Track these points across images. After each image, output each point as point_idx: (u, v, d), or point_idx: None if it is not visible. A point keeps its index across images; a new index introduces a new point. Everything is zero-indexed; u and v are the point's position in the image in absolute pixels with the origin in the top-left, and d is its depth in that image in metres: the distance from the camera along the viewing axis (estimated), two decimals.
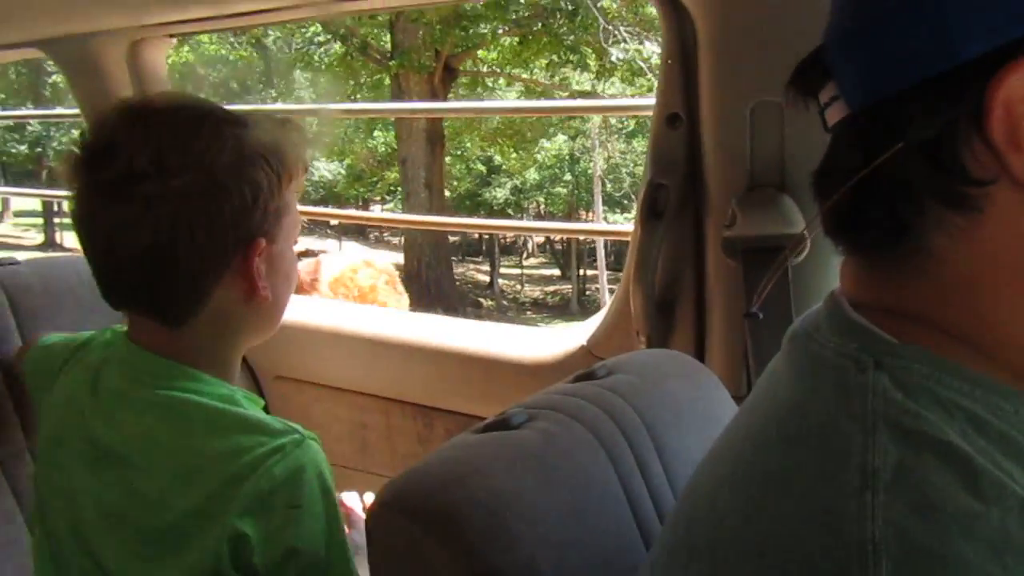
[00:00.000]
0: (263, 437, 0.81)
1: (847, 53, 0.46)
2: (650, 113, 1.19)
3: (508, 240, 23.14)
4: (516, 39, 11.22)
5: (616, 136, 14.62)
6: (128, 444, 0.85)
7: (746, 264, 1.08)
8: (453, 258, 21.61)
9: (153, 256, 0.81)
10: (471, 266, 20.90)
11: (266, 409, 1.76)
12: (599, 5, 9.98)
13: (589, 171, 15.66)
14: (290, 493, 0.80)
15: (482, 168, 15.77)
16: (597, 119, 13.43)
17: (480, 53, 11.77)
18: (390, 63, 11.17)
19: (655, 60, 10.56)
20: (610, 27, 10.01)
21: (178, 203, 0.80)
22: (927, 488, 0.38)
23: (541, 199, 17.47)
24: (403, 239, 14.25)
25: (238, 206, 0.82)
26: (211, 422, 0.83)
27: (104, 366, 0.91)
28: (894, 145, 0.43)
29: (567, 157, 16.06)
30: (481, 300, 17.02)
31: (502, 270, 20.45)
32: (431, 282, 11.78)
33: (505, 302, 17.30)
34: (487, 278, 19.23)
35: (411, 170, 11.15)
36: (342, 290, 2.27)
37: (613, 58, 10.71)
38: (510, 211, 18.34)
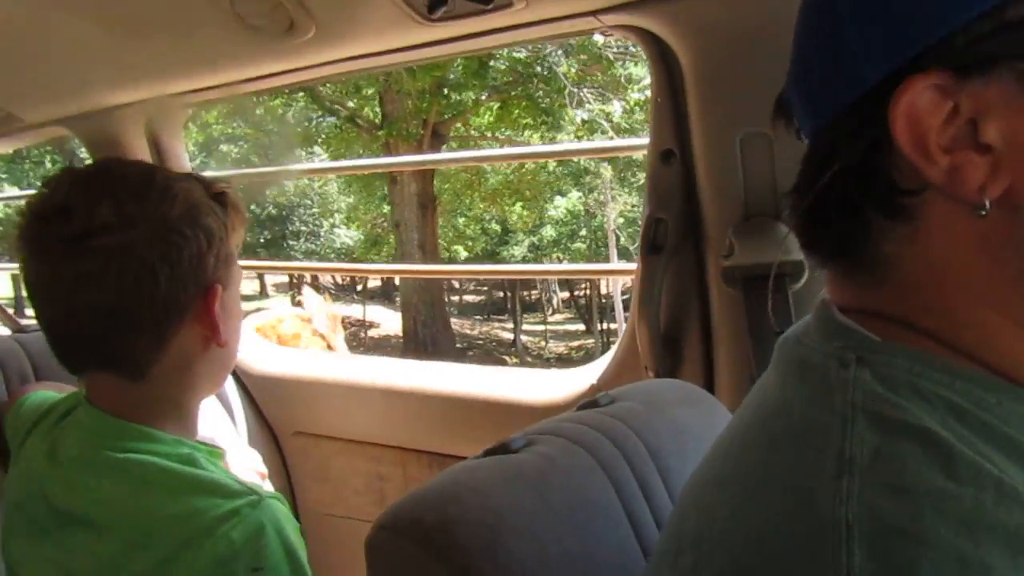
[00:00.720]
0: (218, 499, 0.80)
1: (793, 88, 0.52)
2: (644, 152, 1.22)
3: (533, 297, 23.22)
4: (497, 104, 11.69)
5: (628, 190, 14.78)
6: (88, 508, 0.84)
7: (746, 292, 1.09)
8: (477, 317, 21.72)
9: (117, 308, 0.82)
10: (496, 324, 20.92)
11: (284, 465, 1.78)
12: (559, 71, 10.42)
13: (606, 225, 15.85)
14: (251, 557, 0.78)
15: (496, 227, 15.98)
16: (608, 174, 13.62)
17: (472, 119, 12.11)
18: (379, 132, 11.61)
19: (616, 118, 11.01)
20: (574, 90, 10.48)
21: (140, 252, 0.81)
22: (902, 471, 0.39)
23: (560, 255, 17.61)
24: (399, 299, 14.35)
25: (195, 252, 0.85)
26: (166, 484, 0.82)
27: (62, 433, 0.91)
28: (831, 168, 0.47)
29: (583, 212, 16.22)
30: (505, 357, 17.00)
31: (528, 327, 20.46)
32: (427, 341, 11.96)
33: (529, 358, 17.26)
34: (511, 335, 19.26)
35: (405, 233, 11.60)
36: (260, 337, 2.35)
37: (577, 119, 11.18)
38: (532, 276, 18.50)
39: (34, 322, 1.59)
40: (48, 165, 15.89)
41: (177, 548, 0.78)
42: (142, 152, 1.73)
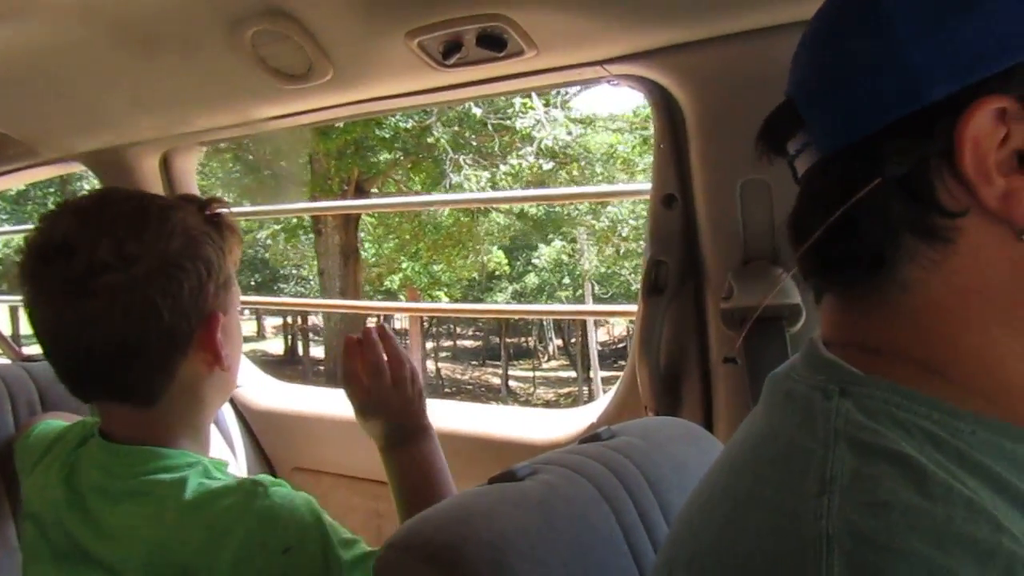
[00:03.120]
0: (228, 499, 0.82)
1: (818, 103, 0.50)
2: (645, 197, 1.25)
3: (527, 344, 23.23)
4: (409, 166, 12.71)
5: (603, 242, 15.05)
6: (101, 546, 0.85)
7: (745, 334, 1.11)
8: (473, 362, 21.69)
9: (124, 344, 0.83)
10: (488, 370, 20.94)
11: None
12: (434, 141, 11.59)
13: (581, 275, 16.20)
14: (277, 540, 0.81)
15: (474, 275, 16.21)
16: (584, 226, 14.20)
17: (399, 175, 13.12)
18: (303, 189, 12.51)
19: (483, 183, 11.97)
20: (454, 156, 11.52)
21: (142, 290, 0.82)
22: (878, 490, 0.41)
23: (546, 301, 17.71)
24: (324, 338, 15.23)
25: (195, 284, 0.86)
26: (178, 497, 0.83)
27: (78, 462, 0.92)
28: (870, 182, 0.46)
29: (566, 263, 16.44)
30: (493, 403, 16.97)
31: (521, 372, 20.48)
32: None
33: (517, 404, 17.22)
34: (500, 381, 19.31)
35: (328, 280, 12.42)
36: None
37: (447, 184, 12.12)
38: (513, 316, 18.70)
39: (39, 351, 1.60)
40: (51, 207, 15.94)
41: (197, 555, 0.80)
42: (156, 188, 1.76)
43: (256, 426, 1.82)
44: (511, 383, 19.14)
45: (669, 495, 0.79)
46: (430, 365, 20.25)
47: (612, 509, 0.72)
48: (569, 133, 12.06)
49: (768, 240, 1.12)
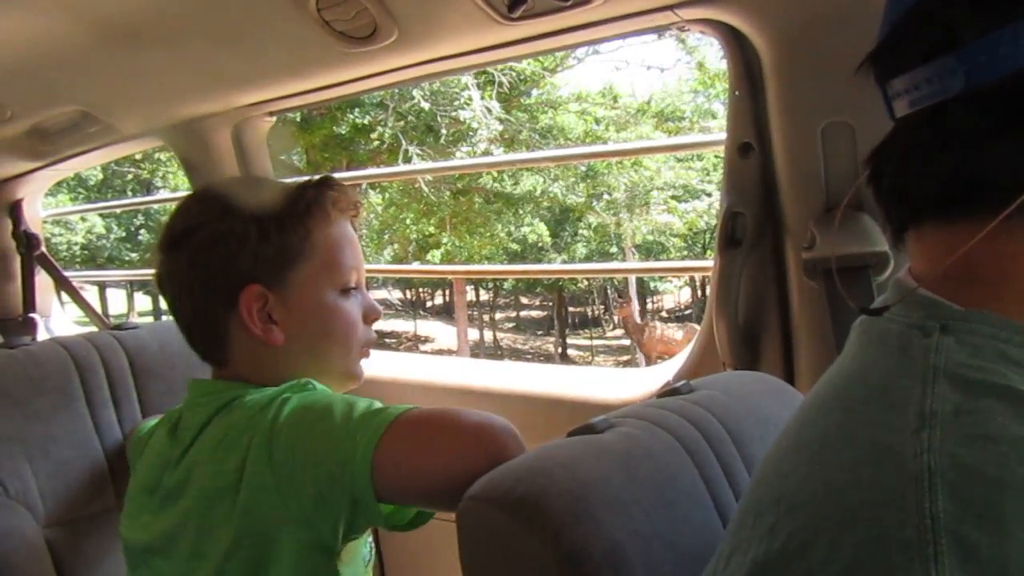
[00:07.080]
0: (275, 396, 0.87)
1: (991, 29, 0.43)
2: (720, 149, 1.21)
3: (594, 313, 23.18)
4: (386, 154, 13.50)
5: (642, 209, 15.00)
6: (178, 477, 0.89)
7: (829, 284, 1.07)
8: (538, 332, 21.80)
9: (176, 305, 0.94)
10: (550, 339, 21.05)
11: None
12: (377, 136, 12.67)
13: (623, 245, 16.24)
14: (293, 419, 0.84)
15: (516, 247, 16.40)
16: (621, 196, 14.39)
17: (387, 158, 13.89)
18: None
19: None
20: (409, 148, 12.58)
21: (191, 254, 0.91)
22: (984, 423, 0.39)
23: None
24: None
25: (223, 254, 0.90)
26: (242, 403, 0.88)
27: (181, 416, 0.97)
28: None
29: (613, 233, 16.40)
30: None
31: (582, 341, 20.55)
32: None
33: None
34: (562, 349, 19.47)
35: None
36: None
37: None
38: (562, 283, 18.86)
39: (130, 321, 1.66)
40: (130, 195, 16.64)
41: (245, 450, 0.83)
42: (228, 160, 1.80)
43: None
44: (571, 351, 19.17)
45: (752, 448, 0.77)
46: (488, 335, 20.46)
47: (694, 462, 0.70)
48: (501, 123, 13.04)
49: (851, 186, 1.07)
